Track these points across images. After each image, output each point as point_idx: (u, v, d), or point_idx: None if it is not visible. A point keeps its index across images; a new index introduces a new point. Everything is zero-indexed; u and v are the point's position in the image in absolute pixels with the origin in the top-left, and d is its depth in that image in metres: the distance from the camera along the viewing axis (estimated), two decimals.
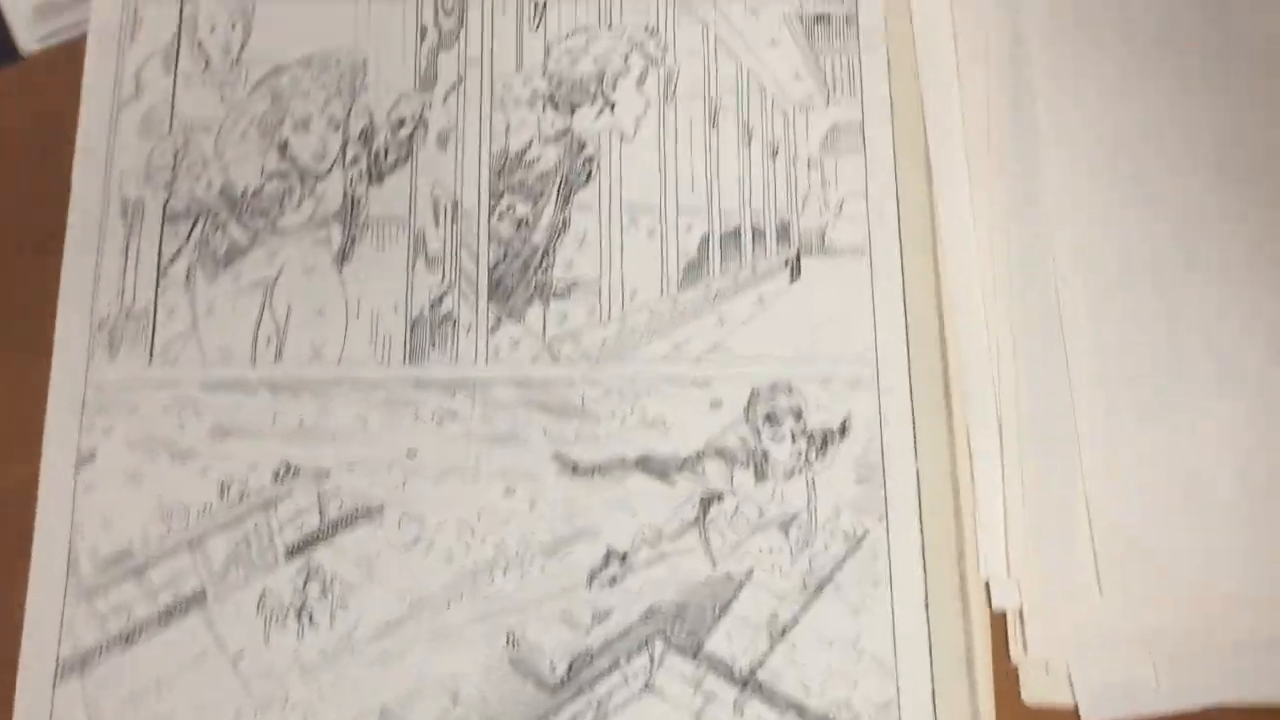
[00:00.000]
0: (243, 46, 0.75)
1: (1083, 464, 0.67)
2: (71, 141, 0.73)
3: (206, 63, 0.74)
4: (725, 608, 0.66)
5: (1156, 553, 0.66)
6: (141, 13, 0.75)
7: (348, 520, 0.67)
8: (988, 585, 0.66)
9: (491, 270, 0.71)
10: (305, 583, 0.66)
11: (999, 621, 0.66)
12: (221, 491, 0.67)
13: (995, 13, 0.75)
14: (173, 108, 0.73)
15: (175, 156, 0.72)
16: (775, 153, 0.74)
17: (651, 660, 0.65)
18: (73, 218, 0.71)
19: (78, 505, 0.66)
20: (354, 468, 0.67)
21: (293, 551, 0.66)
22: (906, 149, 0.73)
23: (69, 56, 0.75)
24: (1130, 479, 0.67)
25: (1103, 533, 0.66)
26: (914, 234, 0.72)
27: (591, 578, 0.66)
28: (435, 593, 0.66)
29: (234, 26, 0.75)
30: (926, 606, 0.65)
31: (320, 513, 0.67)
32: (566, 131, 0.74)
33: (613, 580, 0.66)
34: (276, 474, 0.67)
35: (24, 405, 0.68)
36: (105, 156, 0.72)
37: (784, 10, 0.76)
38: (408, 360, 0.69)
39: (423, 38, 0.75)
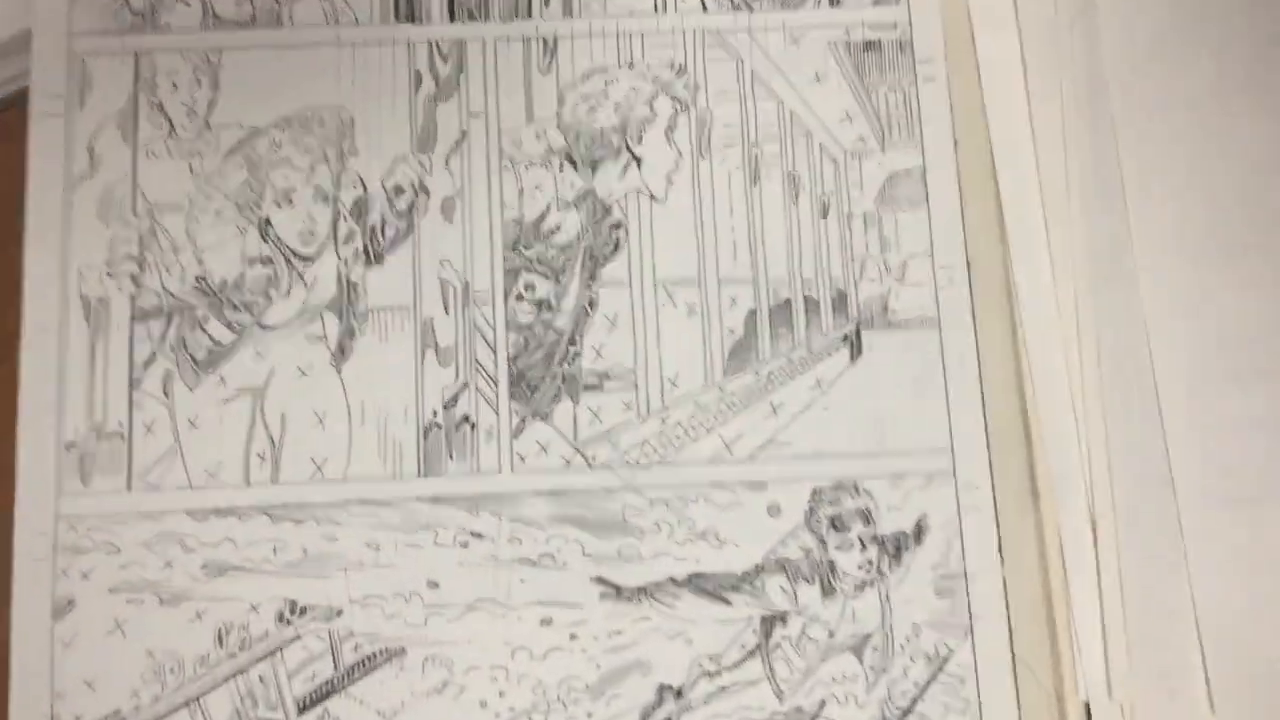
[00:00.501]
0: (210, 106, 0.65)
1: (1189, 564, 0.60)
2: (19, 228, 0.63)
3: (170, 128, 0.64)
4: None
5: (1275, 663, 0.59)
6: (90, 68, 0.65)
7: (365, 665, 0.59)
8: (1087, 708, 0.59)
9: (512, 362, 0.62)
10: None
11: None
12: (219, 639, 0.59)
13: (1070, 37, 0.65)
14: (135, 184, 0.64)
15: (141, 244, 0.63)
16: (826, 209, 0.65)
17: None
18: (28, 320, 0.62)
19: (57, 664, 0.58)
20: (369, 604, 0.60)
21: (305, 705, 0.59)
22: (975, 198, 0.64)
23: (7, 123, 0.65)
24: (1241, 581, 0.59)
25: (1213, 642, 0.59)
26: (988, 298, 0.63)
27: None
28: None
29: (199, 83, 0.65)
30: None
31: (334, 658, 0.59)
32: (588, 194, 0.65)
33: None
34: (281, 615, 0.59)
35: None
36: (60, 246, 0.63)
37: (828, 38, 0.66)
38: (422, 473, 0.61)
39: (417, 87, 0.65)
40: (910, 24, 0.66)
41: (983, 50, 0.66)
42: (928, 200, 0.64)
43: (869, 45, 0.66)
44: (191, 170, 0.64)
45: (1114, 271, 0.62)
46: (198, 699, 0.58)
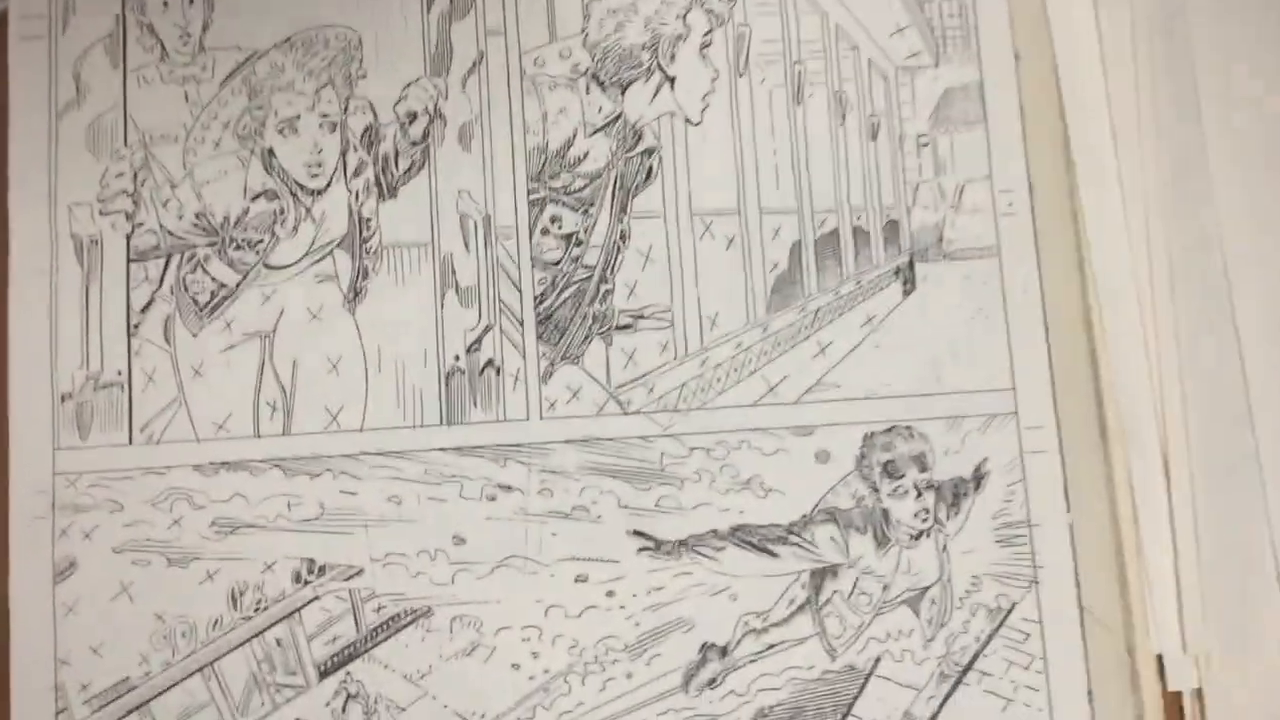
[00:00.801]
0: (205, 28, 0.59)
1: (1268, 507, 0.56)
2: (3, 165, 0.58)
3: (162, 51, 0.59)
4: (849, 708, 0.55)
5: None
6: None
7: (389, 627, 0.55)
8: (1160, 662, 0.56)
9: (538, 302, 0.58)
10: (345, 706, 0.55)
11: (1173, 702, 0.56)
12: (233, 601, 0.55)
13: None
14: (125, 113, 0.59)
15: (135, 177, 0.58)
16: (876, 131, 0.60)
17: None
18: (15, 264, 0.57)
19: (60, 629, 0.55)
20: (391, 562, 0.56)
21: (326, 670, 0.55)
22: (1037, 115, 0.59)
23: None
24: None
25: None
26: (1052, 227, 0.58)
27: (688, 680, 0.55)
28: (501, 710, 0.55)
29: (191, 0, 0.60)
30: (1090, 694, 0.55)
31: (355, 620, 0.55)
32: (617, 117, 0.60)
33: (713, 682, 0.55)
34: (298, 575, 0.56)
35: None
36: (47, 182, 0.58)
37: None
38: (445, 421, 0.57)
39: (430, 3, 0.60)
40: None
41: None
42: (986, 119, 0.59)
43: None
44: (187, 97, 0.59)
45: (1189, 192, 0.58)
46: (211, 664, 0.55)
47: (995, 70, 0.60)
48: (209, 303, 0.58)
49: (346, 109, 0.59)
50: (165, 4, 0.59)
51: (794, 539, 0.56)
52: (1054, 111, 0.59)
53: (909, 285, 0.58)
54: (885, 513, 0.57)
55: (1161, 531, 0.56)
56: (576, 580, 0.56)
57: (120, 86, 0.59)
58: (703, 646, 0.55)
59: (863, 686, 0.55)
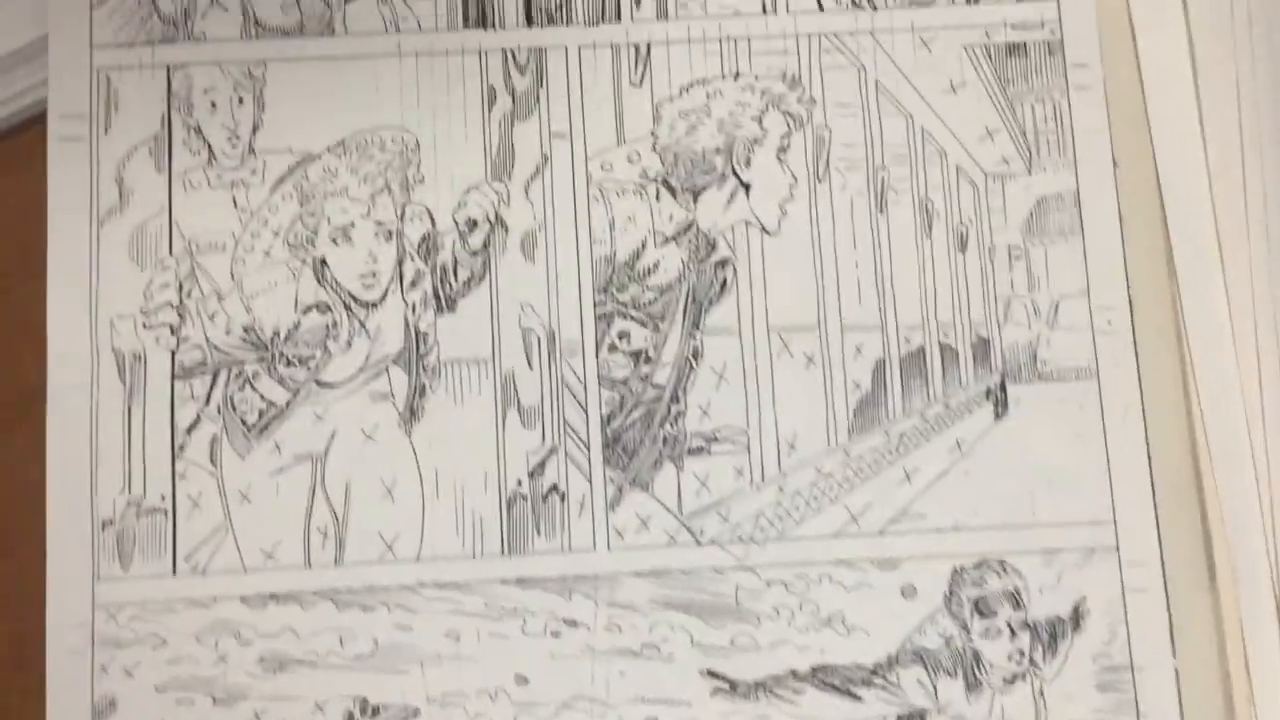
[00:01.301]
0: (256, 129, 0.56)
1: None
2: (41, 272, 0.55)
3: (210, 154, 0.56)
4: None
5: None
6: (116, 85, 0.57)
7: None
8: None
9: (606, 424, 0.55)
10: None
11: None
12: None
13: (1249, 35, 0.56)
14: (171, 219, 0.56)
15: (181, 289, 0.55)
16: (964, 241, 0.56)
17: None
18: (53, 381, 0.54)
19: None
20: (449, 702, 0.52)
21: None
22: (1138, 226, 0.56)
23: (23, 146, 0.57)
24: None
25: None
26: (1154, 346, 0.55)
27: None
28: None
29: (241, 101, 0.57)
30: None
31: None
32: (689, 226, 0.56)
33: None
34: (350, 716, 0.52)
35: (16, 643, 0.53)
36: (88, 292, 0.55)
37: (965, 40, 0.57)
38: (506, 551, 0.53)
39: (491, 104, 0.57)
40: (1060, 22, 0.57)
41: (1145, 52, 0.57)
42: (1083, 230, 0.56)
43: (1012, 48, 0.57)
44: (235, 203, 0.56)
45: None
46: None
47: (1093, 178, 0.56)
48: (257, 422, 0.54)
49: (403, 216, 0.56)
50: (214, 104, 0.56)
51: (879, 681, 0.53)
52: (1156, 222, 0.56)
53: (1000, 408, 0.55)
54: (976, 654, 0.53)
55: (1275, 679, 0.52)
56: None
57: (166, 191, 0.56)
58: None
59: None
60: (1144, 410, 0.54)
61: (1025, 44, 0.57)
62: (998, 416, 0.55)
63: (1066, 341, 0.55)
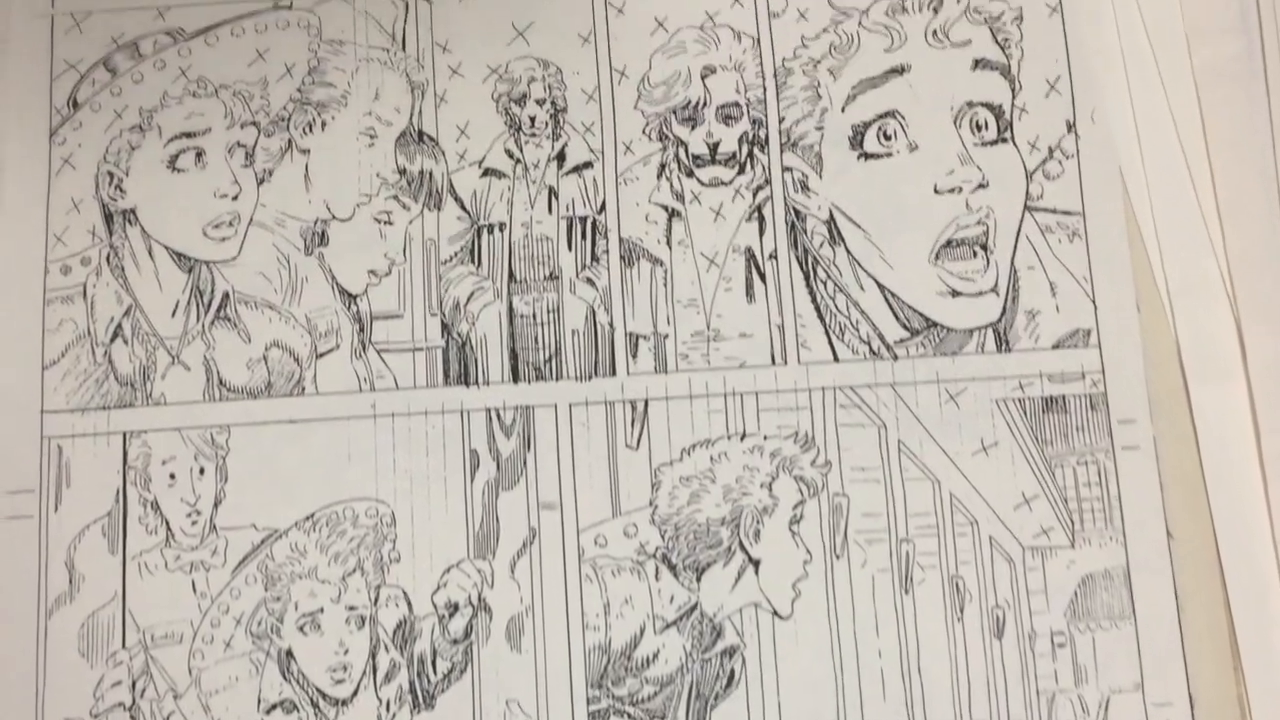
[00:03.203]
0: (217, 503, 0.52)
1: None
2: None
3: (168, 532, 0.51)
4: None
5: None
6: (67, 454, 0.52)
7: None
8: None
9: None
10: None
11: None
12: None
13: None
14: (124, 608, 0.51)
15: (134, 687, 0.50)
16: (1001, 626, 0.50)
17: None
18: None
19: None
20: None
21: None
22: (1198, 610, 0.49)
23: None
24: None
25: None
26: None
27: None
28: None
29: (201, 471, 0.52)
30: None
31: None
32: (692, 609, 0.50)
33: None
34: None
35: None
36: (34, 692, 0.50)
37: (996, 393, 0.52)
38: None
39: (474, 470, 0.52)
40: (1104, 372, 0.51)
41: (1200, 407, 0.51)
42: (1134, 614, 0.49)
43: (1050, 403, 0.51)
44: (194, 588, 0.51)
45: None
46: None
47: (1144, 552, 0.50)
48: None
49: (377, 600, 0.51)
50: (172, 476, 0.52)
51: None
52: (1217, 603, 0.49)
53: None
54: None
55: None
56: None
57: (120, 576, 0.51)
58: None
59: None
60: None
61: (1064, 397, 0.51)
62: None
63: None
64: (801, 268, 0.53)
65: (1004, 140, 0.53)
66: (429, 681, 0.50)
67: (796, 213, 0.53)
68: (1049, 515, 0.51)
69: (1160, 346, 0.52)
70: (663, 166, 0.54)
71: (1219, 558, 0.50)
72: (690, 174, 0.54)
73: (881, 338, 0.52)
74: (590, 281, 0.53)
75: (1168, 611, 0.50)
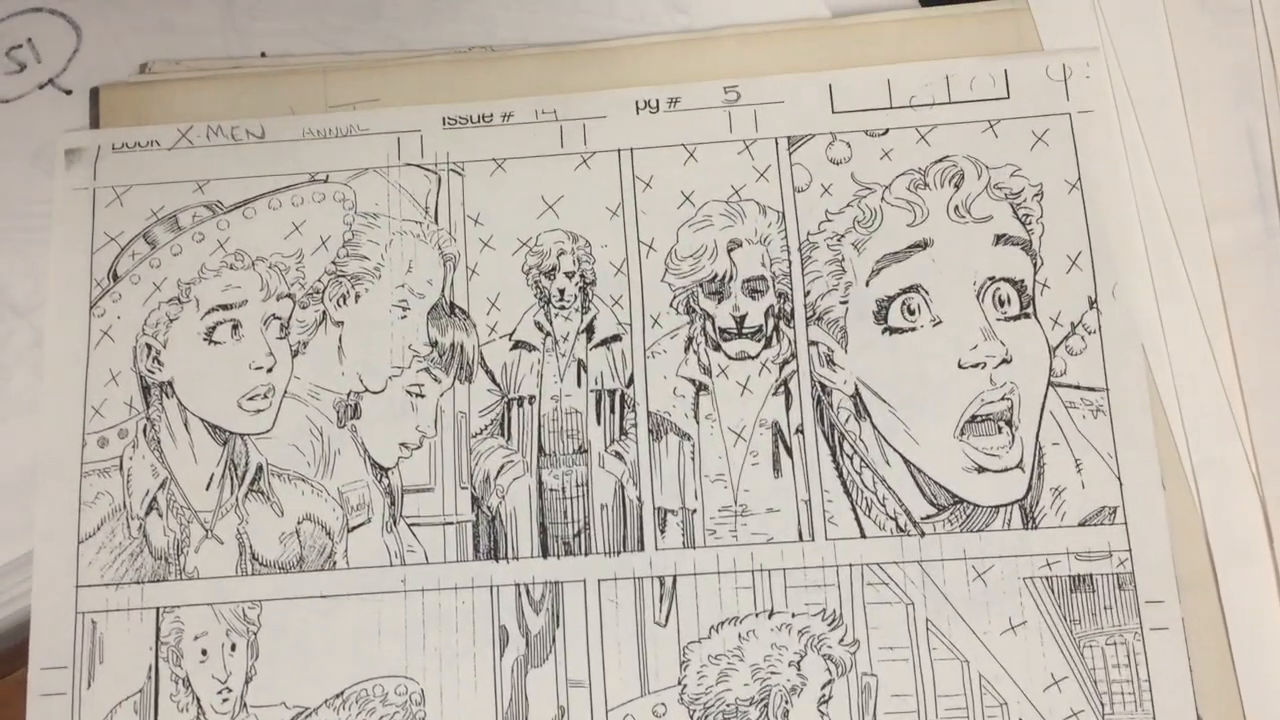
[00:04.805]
0: (248, 680, 0.52)
1: None
2: None
3: (199, 710, 0.52)
4: None
5: None
6: (101, 631, 0.52)
7: None
8: None
9: None
10: None
11: None
12: None
13: None
14: None
15: None
16: None
17: None
18: None
19: None
20: None
21: None
22: None
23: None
24: None
25: None
26: None
27: None
28: None
29: (233, 648, 0.52)
30: None
31: None
32: None
33: None
34: None
35: None
36: None
37: (1022, 571, 0.52)
38: None
39: (503, 646, 0.52)
40: (1130, 551, 0.52)
41: (1227, 588, 0.51)
42: None
43: (1078, 582, 0.52)
44: None
45: None
46: None
47: None
48: None
49: None
50: (204, 652, 0.52)
51: None
52: None
53: None
54: None
55: None
56: None
57: None
58: None
59: None
60: None
61: (1092, 576, 0.51)
62: None
63: None
64: (828, 442, 0.54)
65: (1026, 315, 0.54)
66: None
67: (823, 387, 0.54)
68: (1079, 697, 0.51)
69: (1187, 525, 0.52)
70: (690, 340, 0.55)
71: None
72: (717, 347, 0.55)
73: (908, 514, 0.53)
74: (619, 455, 0.54)
75: None
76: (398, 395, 0.55)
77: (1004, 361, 0.54)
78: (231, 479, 0.54)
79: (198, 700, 0.52)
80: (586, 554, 0.53)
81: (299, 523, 0.54)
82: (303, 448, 0.54)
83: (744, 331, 0.55)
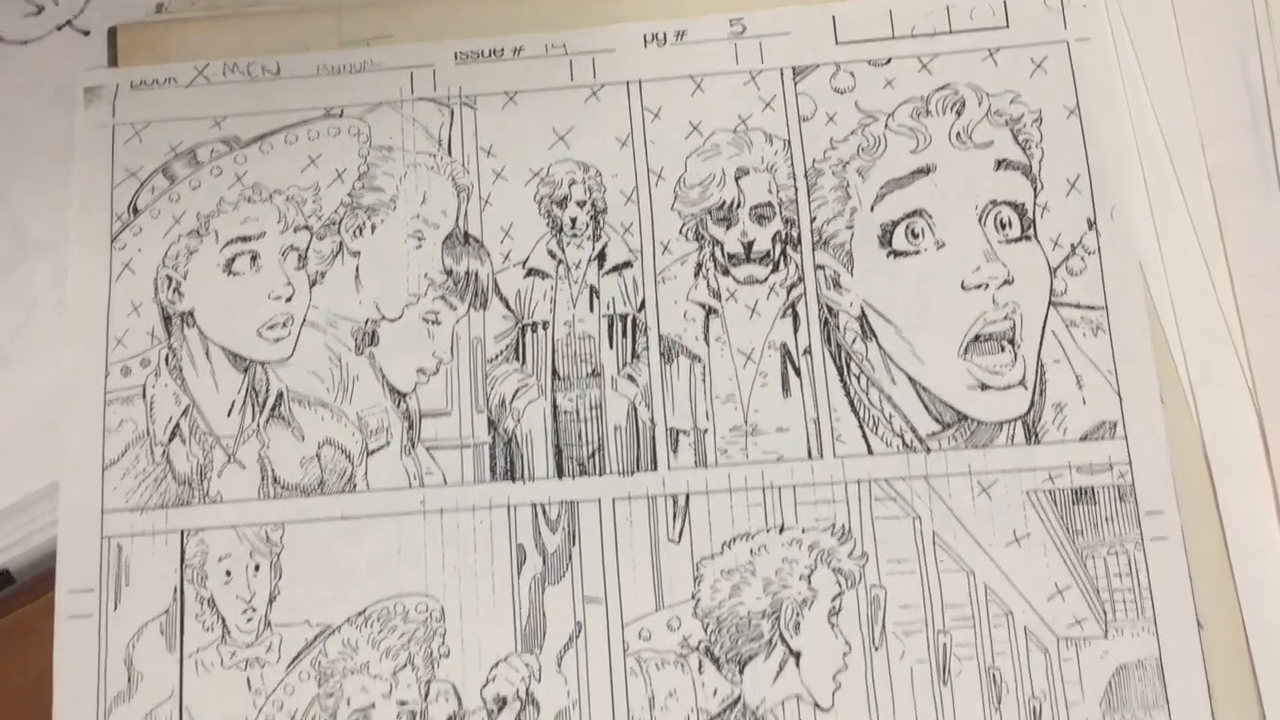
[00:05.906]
0: (272, 600, 0.53)
1: None
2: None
3: (224, 629, 0.53)
4: None
5: None
6: (127, 555, 0.54)
7: None
8: None
9: None
10: None
11: None
12: None
13: None
14: (181, 705, 0.52)
15: None
16: (1038, 717, 0.51)
17: None
18: None
19: None
20: None
21: None
22: (1229, 701, 0.50)
23: (26, 621, 0.55)
24: None
25: None
26: None
27: None
28: None
29: (257, 568, 0.54)
30: None
31: None
32: (736, 702, 0.52)
33: None
34: None
35: None
36: None
37: (1026, 485, 0.53)
38: None
39: (521, 564, 0.53)
40: (1130, 465, 0.53)
41: (1225, 500, 0.52)
42: (1168, 704, 0.51)
43: (1080, 494, 0.53)
44: (249, 685, 0.52)
45: None
46: None
47: (1176, 643, 0.51)
48: None
49: (427, 695, 0.52)
50: (228, 573, 0.53)
51: None
52: (1249, 696, 0.50)
53: None
54: None
55: None
56: None
57: (177, 673, 0.53)
58: None
59: None
60: None
61: (1093, 489, 0.53)
62: None
63: None
64: (835, 363, 0.55)
65: (1027, 238, 0.56)
66: None
67: (829, 309, 0.55)
68: (1082, 606, 0.52)
69: (1185, 439, 0.53)
70: (699, 265, 0.56)
71: (1248, 649, 0.51)
72: (726, 272, 0.56)
73: (914, 431, 0.54)
74: (631, 378, 0.55)
75: (1199, 702, 0.51)
76: (414, 322, 0.56)
77: (1006, 282, 0.55)
78: (253, 405, 0.55)
79: (223, 620, 0.53)
80: (601, 474, 0.54)
81: (319, 447, 0.55)
82: (322, 374, 0.56)
83: (752, 256, 0.56)
